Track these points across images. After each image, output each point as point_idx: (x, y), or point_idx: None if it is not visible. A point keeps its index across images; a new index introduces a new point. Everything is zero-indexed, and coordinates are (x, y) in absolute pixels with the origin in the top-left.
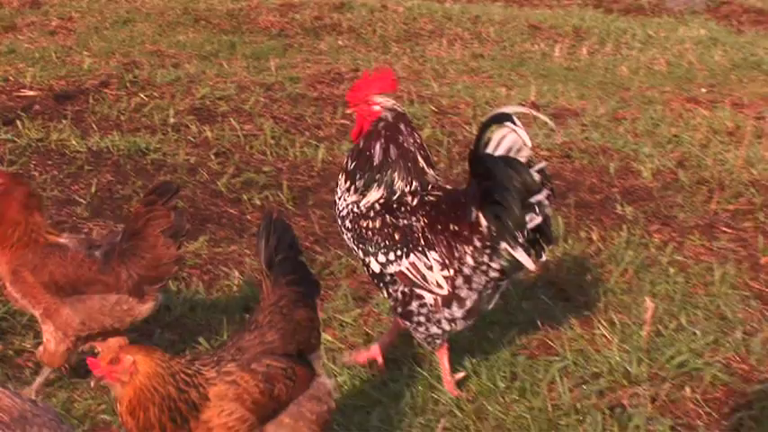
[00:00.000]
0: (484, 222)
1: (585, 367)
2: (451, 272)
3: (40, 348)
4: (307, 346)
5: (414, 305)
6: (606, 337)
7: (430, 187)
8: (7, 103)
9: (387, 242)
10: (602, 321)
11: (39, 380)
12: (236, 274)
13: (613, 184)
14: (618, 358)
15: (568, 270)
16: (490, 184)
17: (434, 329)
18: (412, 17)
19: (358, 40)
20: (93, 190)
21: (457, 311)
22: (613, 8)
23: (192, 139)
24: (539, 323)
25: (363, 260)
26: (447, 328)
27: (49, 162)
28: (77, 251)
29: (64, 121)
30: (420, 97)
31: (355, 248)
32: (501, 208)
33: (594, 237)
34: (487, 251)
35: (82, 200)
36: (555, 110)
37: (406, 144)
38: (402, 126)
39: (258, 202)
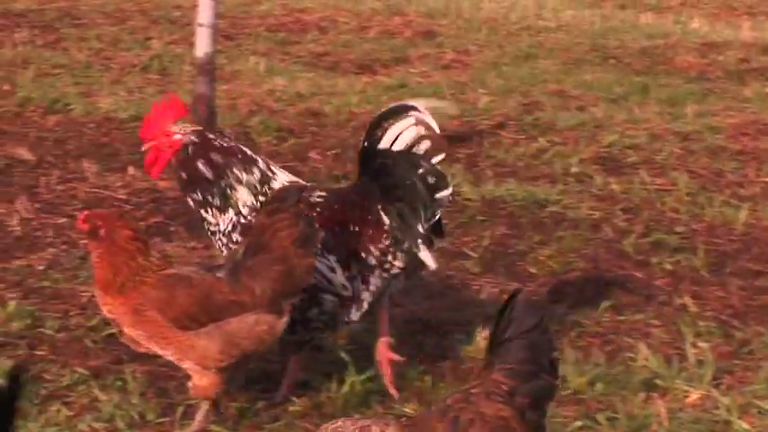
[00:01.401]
0: (386, 221)
1: None
2: (354, 272)
3: (189, 384)
4: None
5: (314, 311)
6: None
7: (305, 189)
8: None
9: None
10: None
11: (198, 416)
12: (642, 346)
13: None
14: None
15: None
16: (392, 180)
17: (317, 335)
18: None
19: None
20: (484, 243)
21: (354, 313)
22: None
23: (596, 191)
24: None
25: None
26: (341, 329)
27: None
28: (202, 276)
29: (456, 166)
30: None
31: None
32: (404, 206)
33: None
34: (391, 250)
35: (473, 253)
36: None
37: (223, 145)
38: (209, 136)
39: (669, 267)
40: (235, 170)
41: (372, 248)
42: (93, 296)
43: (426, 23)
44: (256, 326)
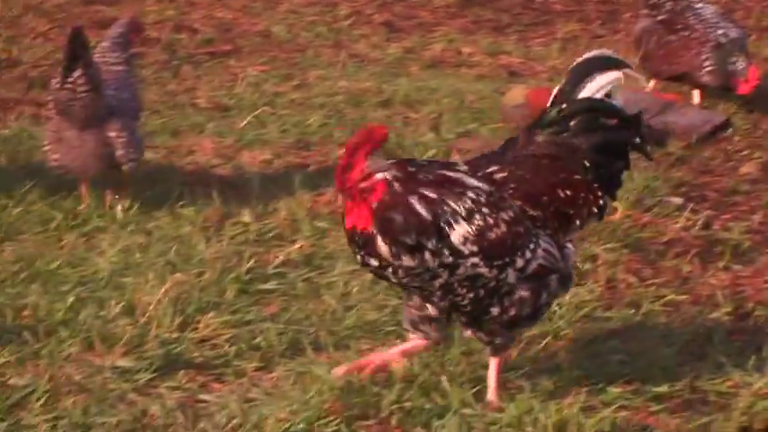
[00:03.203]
0: (590, 177)
1: None
2: (565, 242)
3: None
4: None
5: (543, 296)
6: None
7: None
8: None
9: (519, 241)
10: None
11: None
12: None
13: None
14: None
15: None
16: (582, 133)
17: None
18: None
19: None
20: None
21: (569, 288)
22: None
23: None
24: None
25: (497, 279)
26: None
27: None
28: None
29: None
30: None
31: (485, 272)
32: (599, 156)
33: None
34: (600, 208)
35: None
36: None
37: (429, 177)
38: (412, 168)
39: None
40: (450, 203)
41: (585, 211)
42: None
43: None
44: None
